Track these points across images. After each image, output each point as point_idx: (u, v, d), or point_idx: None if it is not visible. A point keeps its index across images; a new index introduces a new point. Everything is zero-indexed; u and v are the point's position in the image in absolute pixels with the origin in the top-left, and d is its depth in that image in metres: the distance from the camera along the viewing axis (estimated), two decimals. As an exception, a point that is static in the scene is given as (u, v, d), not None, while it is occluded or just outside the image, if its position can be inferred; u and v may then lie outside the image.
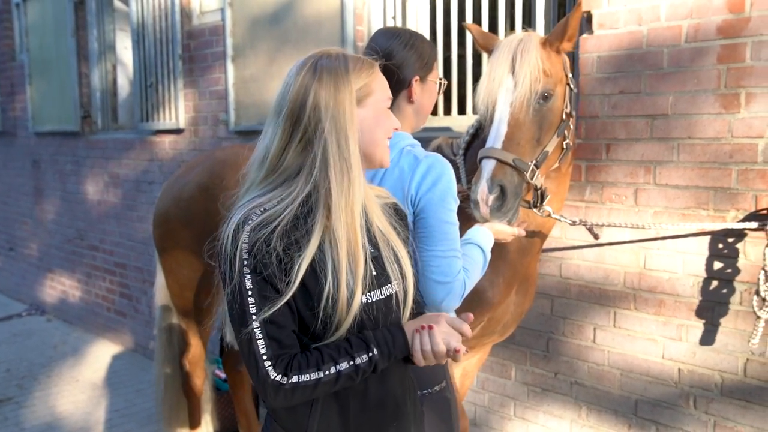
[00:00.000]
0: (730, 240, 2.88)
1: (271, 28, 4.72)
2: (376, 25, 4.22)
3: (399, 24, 4.15)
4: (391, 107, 2.18)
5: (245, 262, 1.60)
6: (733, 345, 2.93)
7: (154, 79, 5.74)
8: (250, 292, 1.61)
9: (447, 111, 4.06)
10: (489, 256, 2.28)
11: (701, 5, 2.85)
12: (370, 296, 1.69)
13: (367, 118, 1.75)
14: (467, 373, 3.25)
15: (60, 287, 7.42)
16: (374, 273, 1.71)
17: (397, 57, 2.21)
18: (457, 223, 2.06)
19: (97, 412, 5.04)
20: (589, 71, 3.20)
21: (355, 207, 1.66)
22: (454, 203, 2.05)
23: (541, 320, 3.52)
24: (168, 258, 3.65)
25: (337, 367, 1.61)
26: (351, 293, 1.63)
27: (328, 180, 1.64)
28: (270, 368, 1.60)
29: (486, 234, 2.32)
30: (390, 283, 1.74)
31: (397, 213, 1.86)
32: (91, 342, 6.67)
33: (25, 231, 7.97)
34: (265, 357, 1.60)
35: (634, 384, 3.23)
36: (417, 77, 2.24)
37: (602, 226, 3.06)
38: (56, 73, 6.95)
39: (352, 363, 1.62)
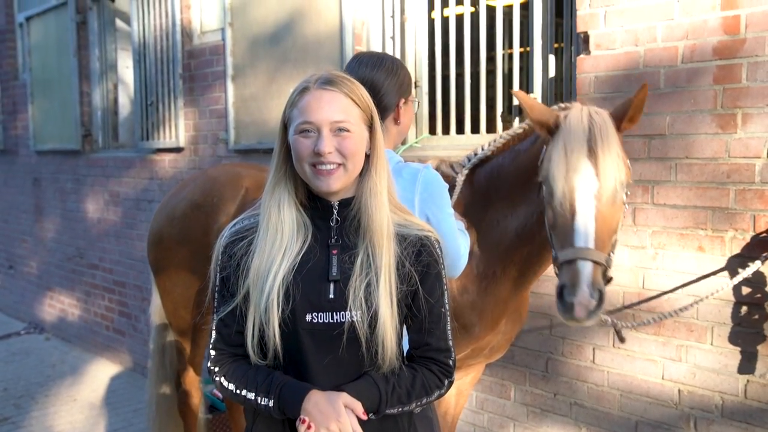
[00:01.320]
0: (731, 260, 2.87)
1: (271, 47, 4.74)
2: (375, 45, 4.24)
3: (398, 44, 4.17)
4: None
5: (218, 262, 1.83)
6: (733, 366, 2.91)
7: (154, 97, 5.76)
8: (216, 289, 1.84)
9: (446, 130, 4.06)
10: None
11: (697, 26, 2.87)
12: (316, 317, 1.74)
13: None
14: (461, 392, 3.22)
15: (59, 306, 7.41)
16: (331, 296, 1.75)
17: (385, 85, 2.34)
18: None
19: (95, 432, 5.02)
20: (586, 91, 3.20)
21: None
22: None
23: (539, 340, 3.50)
24: (163, 277, 3.65)
25: (247, 395, 1.76)
26: (265, 311, 1.72)
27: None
28: (211, 357, 1.83)
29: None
30: (344, 310, 1.73)
31: (422, 251, 1.80)
32: (90, 361, 6.65)
33: (25, 249, 7.97)
34: (210, 346, 1.84)
35: (634, 405, 3.20)
36: (402, 100, 2.38)
37: (631, 328, 3.03)
38: (58, 92, 6.98)
39: (255, 399, 1.74)
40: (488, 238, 2.78)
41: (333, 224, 1.80)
